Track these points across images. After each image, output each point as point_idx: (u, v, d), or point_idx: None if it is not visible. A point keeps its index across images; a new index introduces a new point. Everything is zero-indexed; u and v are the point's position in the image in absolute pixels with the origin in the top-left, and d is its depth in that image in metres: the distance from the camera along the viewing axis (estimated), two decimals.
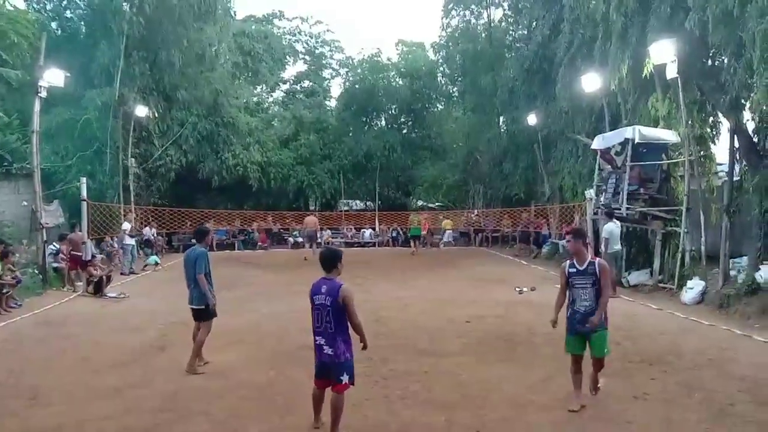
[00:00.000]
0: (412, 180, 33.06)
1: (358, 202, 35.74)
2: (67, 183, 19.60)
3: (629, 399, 6.26)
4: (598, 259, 6.10)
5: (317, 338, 5.24)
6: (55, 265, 14.91)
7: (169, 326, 9.79)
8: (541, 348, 8.58)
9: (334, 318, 5.14)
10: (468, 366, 7.67)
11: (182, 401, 6.36)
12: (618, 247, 13.82)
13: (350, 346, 5.25)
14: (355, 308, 5.23)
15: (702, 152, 13.83)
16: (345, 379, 5.17)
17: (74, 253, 14.89)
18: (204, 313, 7.48)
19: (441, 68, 34.11)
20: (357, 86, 33.86)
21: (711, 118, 14.07)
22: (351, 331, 5.28)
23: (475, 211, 29.84)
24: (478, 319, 10.75)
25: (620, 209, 14.10)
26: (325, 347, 5.18)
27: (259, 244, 26.91)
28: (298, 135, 31.94)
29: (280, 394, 6.52)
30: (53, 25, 23.58)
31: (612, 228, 13.61)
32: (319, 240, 25.28)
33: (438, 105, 35.81)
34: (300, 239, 26.52)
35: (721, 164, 14.66)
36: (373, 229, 29.36)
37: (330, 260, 5.34)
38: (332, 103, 37.71)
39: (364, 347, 5.38)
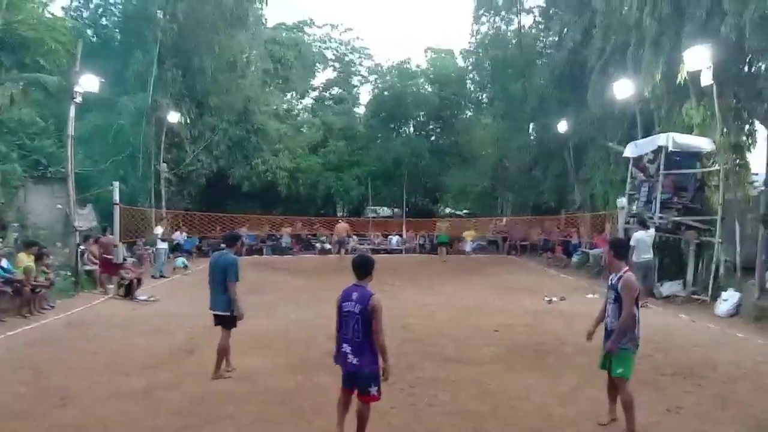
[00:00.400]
0: (440, 187, 32.95)
1: (385, 208, 35.74)
2: (101, 187, 19.91)
3: (662, 412, 6.10)
4: (628, 273, 5.61)
5: (344, 346, 5.06)
6: (87, 268, 15.16)
7: (197, 330, 9.86)
8: (570, 358, 8.44)
9: (362, 327, 4.96)
10: (496, 375, 7.58)
11: (209, 405, 6.38)
12: (648, 256, 13.31)
13: (377, 357, 5.04)
14: (382, 324, 5.00)
15: (738, 161, 13.51)
16: (374, 391, 5.02)
17: (105, 256, 15.13)
18: (227, 320, 7.45)
19: (470, 75, 34.01)
20: (385, 93, 33.91)
21: (747, 126, 13.77)
22: None
23: (503, 218, 29.58)
24: (506, 327, 10.64)
25: (653, 218, 13.83)
26: (350, 356, 5.00)
27: (289, 248, 27.04)
28: (326, 141, 32.11)
29: (308, 400, 6.51)
30: (89, 32, 24.14)
31: (641, 236, 13.17)
32: (347, 247, 25.46)
33: (467, 112, 35.64)
34: (328, 246, 26.64)
35: (756, 174, 14.33)
36: (401, 235, 29.29)
37: (363, 267, 5.19)
38: (361, 110, 37.83)
39: (385, 377, 5.07)
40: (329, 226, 28.39)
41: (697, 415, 5.98)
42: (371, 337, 4.99)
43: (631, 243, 13.19)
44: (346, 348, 5.04)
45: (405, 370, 7.73)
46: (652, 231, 13.49)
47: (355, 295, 5.04)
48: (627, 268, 5.68)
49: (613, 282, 5.62)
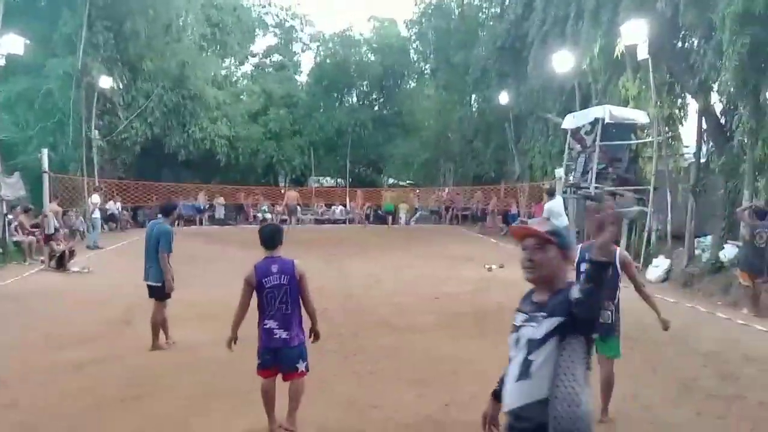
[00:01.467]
0: (383, 157, 32.92)
1: (328, 179, 35.51)
2: (28, 154, 19.01)
3: (592, 376, 6.31)
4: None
5: (266, 323, 4.74)
6: (15, 239, 14.48)
7: (134, 301, 9.57)
8: (509, 324, 8.62)
9: (291, 298, 4.73)
10: (438, 342, 7.69)
11: (148, 377, 6.24)
12: (561, 223, 14.00)
13: (303, 328, 4.86)
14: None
15: (670, 133, 14.00)
16: (302, 366, 4.80)
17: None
18: (159, 291, 7.25)
19: (413, 45, 33.86)
20: (328, 61, 33.45)
21: (680, 100, 14.24)
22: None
23: (446, 189, 29.89)
24: (447, 295, 10.81)
25: (589, 188, 14.23)
26: (276, 331, 4.70)
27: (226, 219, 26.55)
28: (267, 109, 31.39)
29: (248, 371, 6.42)
30: None
31: (550, 205, 13.54)
32: (299, 215, 25.76)
33: (410, 82, 35.60)
34: (268, 215, 26.33)
35: (687, 146, 14.90)
36: (344, 206, 29.21)
37: (274, 236, 4.89)
38: (303, 78, 37.16)
39: (316, 337, 4.96)
40: (271, 197, 28.08)
41: (628, 378, 6.19)
42: (298, 307, 4.81)
43: (543, 214, 13.79)
44: (270, 323, 4.73)
45: (348, 338, 7.76)
46: (559, 198, 14.10)
47: (275, 267, 4.74)
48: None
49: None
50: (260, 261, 4.82)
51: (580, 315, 2.29)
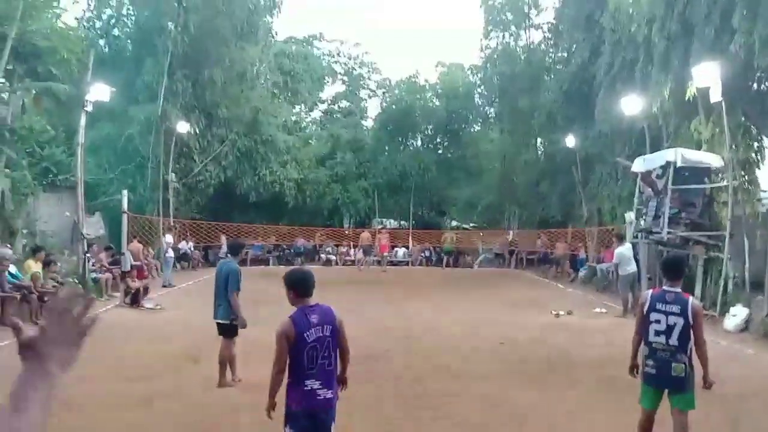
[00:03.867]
0: (447, 200, 32.98)
1: (392, 221, 35.77)
2: (109, 196, 20.06)
3: (670, 427, 6.04)
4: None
5: (306, 383, 4.04)
6: (94, 275, 15.20)
7: (203, 338, 9.84)
8: (578, 373, 8.38)
9: (334, 351, 4.12)
10: (502, 389, 7.52)
11: (212, 414, 6.37)
12: (631, 268, 14.12)
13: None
14: None
15: (746, 177, 13.47)
16: (332, 430, 4.19)
17: (134, 263, 15.20)
18: (227, 329, 7.43)
19: (479, 89, 34.12)
20: (394, 106, 34.10)
21: (756, 143, 13.73)
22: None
23: (510, 232, 29.54)
24: (512, 341, 10.58)
25: (660, 233, 13.79)
26: (320, 391, 4.05)
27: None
28: (334, 153, 32.21)
29: None
30: (101, 42, 24.40)
31: (620, 251, 14.14)
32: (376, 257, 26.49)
33: (474, 126, 35.76)
34: (333, 257, 26.80)
35: (765, 190, 14.29)
36: (407, 248, 29.27)
37: (312, 281, 4.31)
38: (369, 123, 38.03)
39: (344, 384, 4.39)
40: (335, 237, 28.53)
41: None
42: (337, 359, 4.22)
43: (614, 260, 13.77)
44: (313, 384, 4.05)
45: (411, 383, 7.70)
46: (628, 245, 14.30)
47: (315, 318, 4.07)
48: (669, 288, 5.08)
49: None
50: (295, 312, 4.16)
51: None
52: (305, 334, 4.02)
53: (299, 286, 4.23)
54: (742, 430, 6.05)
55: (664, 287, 5.10)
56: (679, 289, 5.04)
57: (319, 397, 4.06)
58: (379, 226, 32.60)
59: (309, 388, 4.04)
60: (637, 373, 5.23)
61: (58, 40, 15.85)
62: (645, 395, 5.10)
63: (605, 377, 8.09)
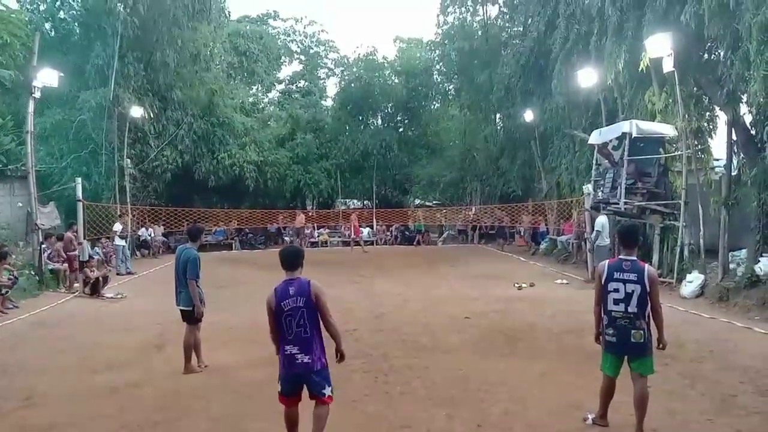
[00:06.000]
0: (409, 178, 33.00)
1: (355, 201, 35.67)
2: (63, 184, 19.49)
3: (631, 390, 6.21)
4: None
5: (286, 348, 4.63)
6: (51, 266, 14.80)
7: (166, 325, 9.70)
8: (542, 343, 8.55)
9: (309, 320, 4.61)
10: (469, 361, 7.64)
11: (181, 399, 6.31)
12: (609, 240, 14.12)
13: (324, 350, 4.74)
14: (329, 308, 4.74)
15: (699, 146, 13.79)
16: (328, 391, 4.68)
17: (69, 253, 14.83)
18: (191, 315, 7.35)
19: (437, 66, 34.03)
20: (353, 85, 33.73)
21: (708, 112, 13.99)
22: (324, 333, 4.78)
23: (473, 208, 29.78)
24: (478, 314, 10.73)
25: (618, 203, 14.07)
26: (298, 356, 4.59)
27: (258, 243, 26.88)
28: (294, 134, 31.81)
29: None
30: (47, 26, 23.40)
31: (603, 221, 14.09)
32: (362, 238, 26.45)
33: (434, 103, 35.71)
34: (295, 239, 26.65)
35: (717, 159, 14.66)
36: (371, 227, 29.28)
37: (294, 257, 4.81)
38: (328, 103, 37.62)
39: (341, 358, 4.82)
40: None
41: (666, 393, 6.10)
42: (318, 329, 4.69)
43: (597, 228, 13.75)
44: (291, 349, 4.62)
45: (379, 358, 7.75)
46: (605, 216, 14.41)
47: (292, 290, 4.64)
48: (625, 257, 5.29)
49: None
50: (280, 283, 4.73)
51: None
52: (282, 304, 4.61)
53: (282, 261, 4.78)
54: (698, 390, 6.25)
55: (621, 256, 5.29)
56: (635, 257, 5.22)
57: (297, 362, 4.60)
58: (343, 208, 32.60)
59: (289, 352, 4.62)
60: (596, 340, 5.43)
61: (0, 24, 15.22)
62: (606, 362, 5.27)
63: (568, 346, 8.28)
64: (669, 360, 7.37)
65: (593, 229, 14.56)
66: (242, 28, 34.43)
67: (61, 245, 15.13)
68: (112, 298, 13.50)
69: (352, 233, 26.10)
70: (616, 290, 5.12)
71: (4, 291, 11.62)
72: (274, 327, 4.72)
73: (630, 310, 5.05)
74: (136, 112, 22.07)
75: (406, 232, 28.22)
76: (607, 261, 5.43)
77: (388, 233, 28.91)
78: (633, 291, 5.06)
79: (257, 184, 28.59)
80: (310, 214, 30.49)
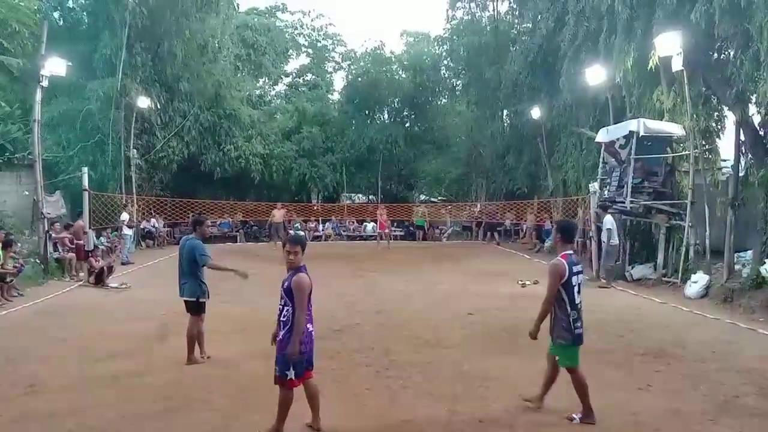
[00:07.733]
0: (415, 174, 32.96)
1: (360, 195, 35.66)
2: (69, 173, 19.54)
3: (633, 390, 6.21)
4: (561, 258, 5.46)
5: (309, 327, 5.02)
6: (56, 255, 14.86)
7: (170, 316, 9.72)
8: (544, 340, 8.51)
9: (286, 305, 4.98)
10: (470, 357, 7.64)
11: (183, 390, 6.32)
12: (616, 240, 14.02)
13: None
14: (303, 304, 4.90)
15: (707, 146, 13.73)
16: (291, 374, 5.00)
17: (77, 242, 14.87)
18: (194, 306, 7.38)
19: (445, 61, 33.90)
20: (360, 79, 33.67)
21: (716, 112, 13.95)
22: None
23: (478, 204, 29.74)
24: (480, 311, 10.71)
25: (624, 202, 14.02)
26: (279, 333, 5.06)
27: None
28: (300, 128, 31.80)
29: None
30: (55, 14, 23.45)
31: (611, 219, 13.97)
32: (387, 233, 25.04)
33: (441, 98, 35.60)
34: (301, 232, 26.48)
35: (725, 159, 14.59)
36: (375, 222, 29.20)
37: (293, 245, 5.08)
38: (335, 97, 37.59)
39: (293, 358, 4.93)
40: (302, 213, 28.40)
41: (668, 393, 6.09)
42: (291, 313, 4.92)
43: (608, 227, 13.65)
44: (278, 328, 5.08)
45: (381, 353, 7.75)
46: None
47: (287, 276, 5.03)
48: (571, 252, 5.50)
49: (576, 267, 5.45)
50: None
51: None
52: (281, 289, 5.03)
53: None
54: (700, 391, 6.23)
55: (567, 251, 5.48)
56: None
57: (278, 338, 5.02)
58: (348, 202, 32.53)
59: (310, 330, 5.02)
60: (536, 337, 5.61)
61: (8, 12, 15.22)
62: (576, 355, 5.50)
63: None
64: (671, 360, 7.36)
65: (598, 229, 14.53)
66: (250, 21, 34.36)
67: (66, 234, 15.18)
68: (116, 287, 13.54)
69: (377, 227, 25.10)
70: (579, 284, 5.44)
71: (9, 279, 11.68)
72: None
73: (582, 299, 5.44)
74: (143, 102, 22.15)
75: (411, 228, 28.14)
76: (561, 258, 5.44)
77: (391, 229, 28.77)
78: (581, 281, 5.47)
79: (263, 177, 28.65)
80: (315, 207, 30.57)
